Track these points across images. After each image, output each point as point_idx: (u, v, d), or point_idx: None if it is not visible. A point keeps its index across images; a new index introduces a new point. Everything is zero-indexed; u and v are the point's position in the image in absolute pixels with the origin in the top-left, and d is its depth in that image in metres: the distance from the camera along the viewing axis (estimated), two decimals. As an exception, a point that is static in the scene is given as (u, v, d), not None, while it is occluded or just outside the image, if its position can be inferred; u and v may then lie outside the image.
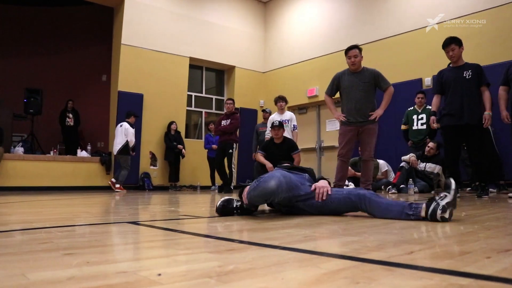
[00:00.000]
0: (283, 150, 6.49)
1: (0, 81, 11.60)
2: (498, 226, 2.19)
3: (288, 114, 7.78)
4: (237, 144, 8.57)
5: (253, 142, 8.64)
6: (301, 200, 2.76)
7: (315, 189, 2.75)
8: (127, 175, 8.92)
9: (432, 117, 5.21)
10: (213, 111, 12.25)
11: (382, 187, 7.57)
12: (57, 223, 2.44)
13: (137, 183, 10.10)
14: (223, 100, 12.14)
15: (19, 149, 9.35)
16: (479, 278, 1.03)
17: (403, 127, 7.67)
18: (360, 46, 5.35)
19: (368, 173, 5.39)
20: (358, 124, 5.20)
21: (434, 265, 1.18)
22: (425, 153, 7.05)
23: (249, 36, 12.66)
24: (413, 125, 7.50)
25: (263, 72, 12.80)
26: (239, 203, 2.67)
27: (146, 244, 1.74)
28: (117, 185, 8.78)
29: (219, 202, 2.67)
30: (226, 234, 1.95)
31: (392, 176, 7.91)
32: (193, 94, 11.87)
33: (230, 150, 8.19)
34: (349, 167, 6.33)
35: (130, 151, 8.87)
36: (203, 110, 12.17)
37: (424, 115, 7.37)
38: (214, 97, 12.39)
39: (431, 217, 2.29)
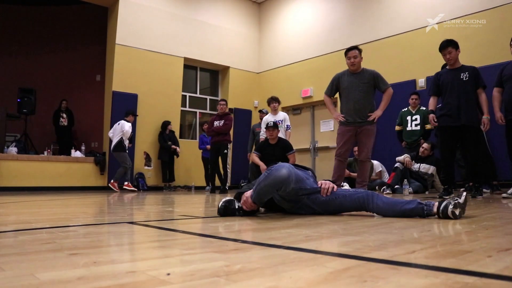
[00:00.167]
0: (278, 151, 6.53)
1: (-7, 80, 11.54)
2: (496, 225, 2.23)
3: (281, 115, 7.82)
4: (231, 144, 8.60)
5: (249, 142, 8.67)
6: (306, 193, 2.79)
7: (321, 184, 2.80)
8: (124, 172, 8.93)
9: (431, 115, 5.24)
10: (208, 111, 12.25)
11: (377, 187, 7.61)
12: (56, 223, 2.44)
13: (132, 183, 10.07)
14: (218, 100, 12.13)
15: (13, 149, 9.29)
16: (483, 276, 1.05)
17: (397, 128, 7.73)
18: (360, 48, 5.39)
19: (364, 174, 5.42)
20: (356, 125, 5.23)
21: (437, 264, 1.20)
22: (419, 154, 7.10)
23: (244, 36, 12.68)
24: (407, 126, 7.55)
25: (258, 73, 12.82)
26: (239, 204, 2.68)
27: (150, 244, 1.75)
28: (116, 184, 8.87)
29: (221, 202, 2.68)
30: (228, 234, 1.96)
31: (386, 177, 7.96)
32: (188, 94, 11.87)
33: (225, 151, 8.22)
34: (344, 168, 6.37)
35: (126, 147, 8.87)
36: (198, 111, 12.17)
37: (418, 116, 7.42)
38: (208, 97, 12.39)
39: (443, 213, 2.41)
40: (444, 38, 7.60)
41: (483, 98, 5.03)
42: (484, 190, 5.81)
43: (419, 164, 7.11)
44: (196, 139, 11.80)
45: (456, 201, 2.43)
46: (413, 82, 8.86)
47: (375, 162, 7.99)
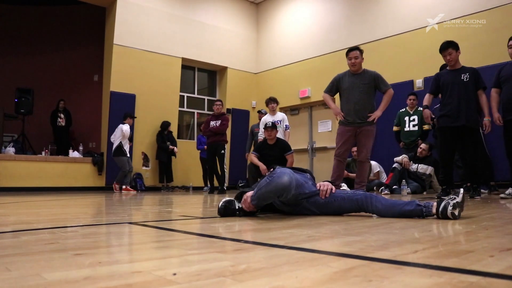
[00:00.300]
0: (276, 151, 6.54)
1: (-10, 80, 11.51)
2: (496, 225, 2.24)
3: (280, 115, 7.84)
4: (227, 144, 8.63)
5: (247, 142, 8.69)
6: (305, 197, 2.81)
7: (320, 187, 2.81)
8: (124, 176, 8.96)
9: (427, 111, 5.25)
10: (205, 111, 12.24)
11: (375, 188, 7.63)
12: (57, 224, 2.44)
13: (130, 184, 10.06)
14: (220, 100, 12.12)
15: (10, 149, 9.28)
16: (486, 275, 1.06)
17: (395, 128, 7.75)
18: (362, 49, 5.40)
19: (363, 175, 5.43)
20: (356, 125, 5.25)
21: (440, 264, 1.21)
22: (417, 155, 7.13)
23: (241, 37, 12.68)
24: (404, 127, 7.57)
25: (255, 73, 12.83)
26: (240, 205, 2.69)
27: (153, 245, 1.76)
28: (117, 186, 8.96)
29: (221, 203, 2.68)
30: (230, 235, 1.97)
31: (384, 177, 7.99)
32: (185, 94, 11.86)
33: (222, 151, 8.24)
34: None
35: (126, 151, 8.89)
36: (195, 111, 12.17)
37: (415, 117, 7.45)
38: (206, 97, 12.39)
39: (442, 213, 2.43)
40: (442, 39, 7.60)
41: (484, 100, 5.06)
42: (482, 190, 5.84)
43: (417, 164, 7.13)
44: (194, 139, 11.80)
45: (455, 201, 2.45)
46: (411, 83, 8.88)
47: (373, 163, 8.01)
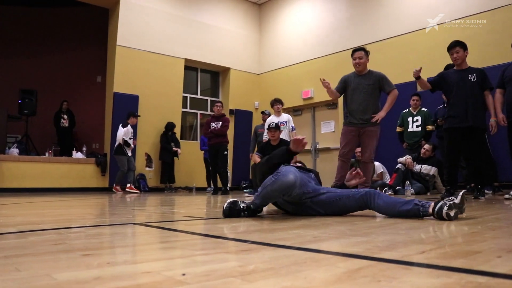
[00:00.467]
0: (279, 152, 6.53)
1: (-6, 81, 11.55)
2: (502, 226, 2.24)
3: (285, 116, 7.86)
4: (228, 145, 8.64)
5: (251, 143, 8.70)
6: (309, 197, 2.81)
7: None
8: (121, 176, 9.00)
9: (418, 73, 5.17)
10: (208, 112, 12.24)
11: (378, 188, 7.60)
12: (63, 224, 2.45)
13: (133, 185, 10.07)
14: (221, 101, 12.14)
15: (14, 150, 9.31)
16: (495, 276, 1.06)
17: (398, 129, 7.74)
18: (367, 50, 5.39)
19: (367, 175, 5.42)
20: (359, 125, 5.24)
21: (448, 264, 1.21)
22: (421, 155, 7.12)
23: (244, 37, 12.69)
24: (408, 127, 7.57)
25: (258, 74, 12.83)
26: (245, 205, 2.69)
27: (159, 245, 1.76)
28: (118, 187, 9.02)
29: (226, 204, 2.69)
30: (236, 235, 1.97)
31: (387, 178, 7.97)
32: (188, 95, 11.88)
33: (225, 152, 8.27)
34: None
35: (125, 150, 8.95)
36: (198, 112, 12.18)
37: (419, 117, 7.44)
38: (209, 98, 12.40)
39: (438, 214, 2.42)
40: (444, 39, 7.62)
41: (490, 100, 5.05)
42: (486, 191, 5.82)
43: (420, 165, 7.12)
44: (197, 140, 11.82)
45: (452, 202, 2.44)
46: (414, 83, 8.81)
47: (376, 163, 7.99)
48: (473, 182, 5.64)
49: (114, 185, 9.10)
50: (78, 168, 9.86)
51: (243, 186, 11.19)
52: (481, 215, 2.93)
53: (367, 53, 5.32)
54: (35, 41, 12.49)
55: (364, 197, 2.68)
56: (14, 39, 12.40)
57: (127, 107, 9.72)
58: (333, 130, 10.76)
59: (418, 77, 5.14)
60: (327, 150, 10.85)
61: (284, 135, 7.50)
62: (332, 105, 10.90)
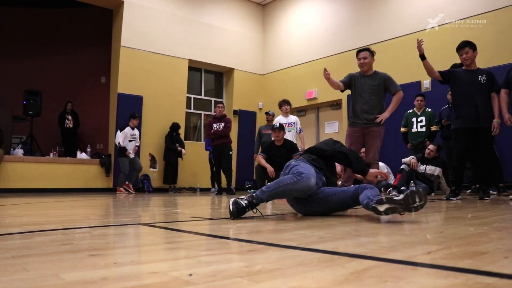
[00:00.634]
0: (283, 152, 6.56)
1: (-1, 82, 11.60)
2: (507, 227, 2.23)
3: (292, 118, 7.92)
4: (232, 144, 8.67)
5: (255, 144, 8.72)
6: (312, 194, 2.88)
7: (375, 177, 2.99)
8: (124, 177, 9.05)
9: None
10: (212, 113, 12.23)
11: (382, 189, 7.60)
12: (69, 225, 2.46)
13: (137, 185, 10.10)
14: (222, 102, 12.19)
15: (19, 151, 9.35)
16: (503, 277, 1.06)
17: (402, 129, 7.72)
18: (373, 50, 5.38)
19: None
20: (363, 126, 5.23)
21: (455, 265, 1.21)
22: (425, 156, 7.10)
23: (248, 38, 12.70)
24: (412, 128, 7.55)
25: (262, 75, 12.84)
26: (246, 201, 2.69)
27: (165, 246, 1.76)
28: (122, 189, 9.07)
29: (231, 206, 2.68)
30: (242, 236, 1.97)
31: (391, 179, 7.96)
32: (192, 96, 11.90)
33: (230, 152, 8.28)
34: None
35: (125, 154, 9.02)
36: (202, 112, 12.19)
37: (423, 118, 7.42)
38: (213, 99, 12.41)
39: (364, 205, 2.56)
40: (448, 39, 7.60)
41: (496, 102, 5.05)
42: (491, 191, 5.80)
43: (425, 165, 7.10)
44: (201, 141, 11.84)
45: (384, 198, 2.42)
46: (418, 84, 8.85)
47: (380, 164, 7.94)
48: (478, 183, 5.61)
49: (118, 188, 9.13)
50: (83, 169, 9.89)
51: (247, 186, 11.19)
52: (486, 215, 2.92)
53: (372, 53, 5.31)
54: (40, 42, 12.53)
55: (356, 191, 2.75)
56: (18, 40, 12.45)
57: (131, 108, 9.74)
58: (337, 131, 10.74)
59: (422, 55, 5.13)
60: (331, 150, 10.83)
61: (291, 137, 7.52)
62: (336, 105, 10.89)
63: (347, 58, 9.75)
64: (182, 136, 10.76)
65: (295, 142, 7.41)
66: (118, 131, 9.21)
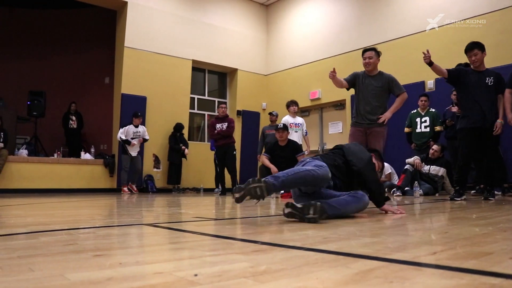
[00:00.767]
0: (287, 152, 6.55)
1: (3, 83, 11.65)
2: (513, 227, 2.23)
3: (300, 119, 7.94)
4: (235, 144, 8.67)
5: (259, 144, 8.73)
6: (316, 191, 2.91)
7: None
8: (126, 175, 9.18)
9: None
10: (216, 113, 12.25)
11: (386, 189, 7.58)
12: (74, 225, 2.47)
13: (141, 186, 10.12)
14: (225, 102, 12.20)
15: (23, 152, 9.38)
16: (508, 278, 1.05)
17: (406, 129, 7.71)
18: (379, 50, 5.36)
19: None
20: (366, 126, 5.22)
21: (460, 265, 1.20)
22: (429, 156, 7.08)
23: (251, 39, 12.71)
24: (416, 128, 7.54)
25: (265, 75, 12.84)
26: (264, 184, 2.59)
27: (170, 246, 1.77)
28: (126, 188, 9.13)
29: (249, 186, 2.61)
30: (246, 236, 1.97)
31: (395, 179, 7.95)
32: (196, 96, 11.91)
33: (234, 152, 8.29)
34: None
35: (126, 150, 9.11)
36: (206, 113, 12.20)
37: (427, 118, 7.41)
38: (216, 99, 12.42)
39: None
40: (451, 39, 7.57)
41: (501, 103, 5.05)
42: (495, 192, 5.78)
43: (429, 166, 7.09)
44: (204, 141, 11.86)
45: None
46: (422, 84, 8.83)
47: (384, 164, 7.97)
48: (482, 183, 5.59)
49: (122, 187, 9.15)
50: (87, 169, 9.91)
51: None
52: (491, 216, 2.91)
53: (378, 53, 5.28)
54: (43, 43, 12.58)
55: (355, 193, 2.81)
56: (22, 41, 12.51)
57: (135, 108, 9.76)
58: (341, 131, 10.73)
59: (430, 63, 5.12)
60: (334, 151, 10.81)
61: (297, 138, 7.53)
62: (339, 105, 10.88)
63: (351, 58, 9.74)
64: (185, 136, 10.77)
65: (300, 143, 7.40)
66: (122, 130, 9.28)
